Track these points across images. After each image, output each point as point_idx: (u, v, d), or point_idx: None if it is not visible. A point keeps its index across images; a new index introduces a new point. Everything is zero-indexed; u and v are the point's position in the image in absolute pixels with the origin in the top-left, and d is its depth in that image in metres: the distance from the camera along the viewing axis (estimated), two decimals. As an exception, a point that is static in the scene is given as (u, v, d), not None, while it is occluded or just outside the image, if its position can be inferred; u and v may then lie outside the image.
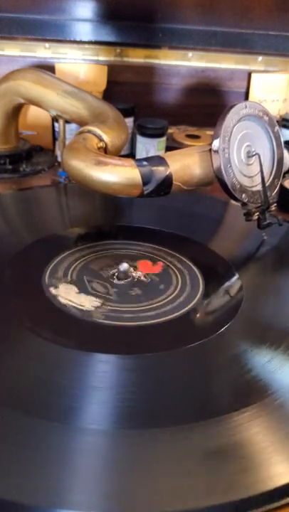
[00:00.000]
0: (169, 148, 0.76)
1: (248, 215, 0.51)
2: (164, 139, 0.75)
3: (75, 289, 0.44)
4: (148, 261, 0.50)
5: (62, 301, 0.43)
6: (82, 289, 0.45)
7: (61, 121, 0.68)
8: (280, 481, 0.28)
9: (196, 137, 0.83)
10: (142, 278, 0.47)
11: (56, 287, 0.44)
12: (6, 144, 0.71)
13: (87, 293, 0.44)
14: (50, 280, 0.45)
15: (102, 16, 0.81)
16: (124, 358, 0.37)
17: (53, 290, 0.44)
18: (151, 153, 0.73)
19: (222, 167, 0.48)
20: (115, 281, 0.46)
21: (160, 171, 0.47)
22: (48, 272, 0.47)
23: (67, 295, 0.43)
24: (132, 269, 0.48)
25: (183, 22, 0.84)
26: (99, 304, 0.43)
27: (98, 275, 0.47)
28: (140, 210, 0.62)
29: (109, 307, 0.43)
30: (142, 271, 0.48)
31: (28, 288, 0.45)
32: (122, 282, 0.46)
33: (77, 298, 0.43)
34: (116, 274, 0.47)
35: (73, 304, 0.42)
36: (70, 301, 0.43)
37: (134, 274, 0.47)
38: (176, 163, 0.48)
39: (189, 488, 0.28)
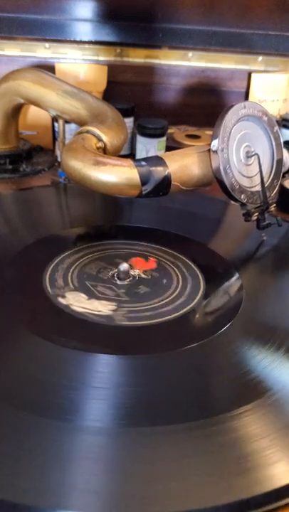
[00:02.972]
0: (169, 148, 0.76)
1: (247, 215, 0.51)
2: (164, 139, 0.75)
3: (83, 295, 0.44)
4: (141, 258, 0.50)
5: (78, 309, 0.42)
6: (91, 295, 0.44)
7: (61, 121, 0.68)
8: (279, 481, 0.28)
9: (196, 137, 0.83)
10: (142, 275, 0.47)
11: (64, 296, 0.44)
12: (6, 144, 0.71)
13: (98, 298, 0.44)
14: (53, 289, 0.44)
15: (102, 16, 0.81)
16: (124, 359, 0.37)
17: (62, 300, 0.43)
18: (151, 153, 0.73)
19: (221, 167, 0.48)
20: (117, 281, 0.46)
21: (159, 171, 0.47)
22: (48, 272, 0.47)
23: (80, 303, 0.43)
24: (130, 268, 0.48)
25: (183, 22, 0.84)
26: (114, 307, 0.43)
27: (99, 278, 0.47)
28: (140, 210, 0.62)
29: (125, 308, 0.43)
30: (139, 268, 0.48)
31: (28, 288, 0.45)
32: (125, 282, 0.46)
33: (90, 304, 0.43)
34: (116, 274, 0.47)
35: (89, 311, 0.42)
36: (85, 308, 0.42)
37: (132, 273, 0.47)
38: (175, 164, 0.48)
39: (189, 488, 0.28)
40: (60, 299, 0.43)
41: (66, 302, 0.43)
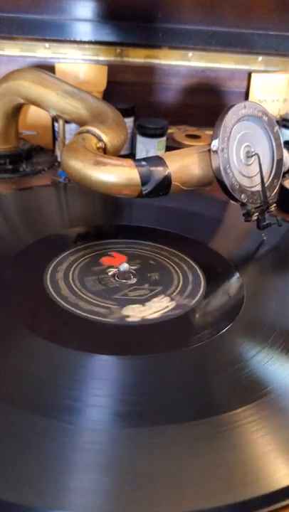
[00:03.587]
0: (169, 148, 0.76)
1: (247, 215, 0.51)
2: (164, 139, 0.75)
3: (136, 305, 0.43)
4: (107, 257, 0.50)
5: (135, 319, 0.41)
6: (139, 301, 0.44)
7: (61, 121, 0.68)
8: (280, 482, 0.28)
9: (196, 137, 0.84)
10: (132, 267, 0.47)
11: (127, 316, 0.42)
12: (6, 144, 0.71)
13: (143, 302, 0.44)
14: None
15: (102, 16, 0.81)
16: (124, 359, 0.37)
17: (129, 319, 0.42)
18: (152, 153, 0.73)
19: (221, 167, 0.48)
20: (127, 281, 0.46)
21: (159, 171, 0.47)
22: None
23: (140, 312, 0.42)
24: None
25: (183, 22, 0.84)
26: (168, 298, 0.43)
27: (100, 278, 0.47)
28: (140, 209, 0.62)
29: (174, 301, 0.43)
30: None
31: (29, 288, 0.45)
32: (134, 280, 0.46)
33: (142, 311, 0.42)
34: (117, 275, 0.47)
35: (145, 315, 0.42)
36: (141, 316, 0.42)
37: (131, 273, 0.47)
38: (175, 164, 0.48)
39: (189, 488, 0.28)
40: (128, 319, 0.42)
41: (136, 318, 0.42)
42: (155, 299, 0.44)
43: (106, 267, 0.48)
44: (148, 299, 0.44)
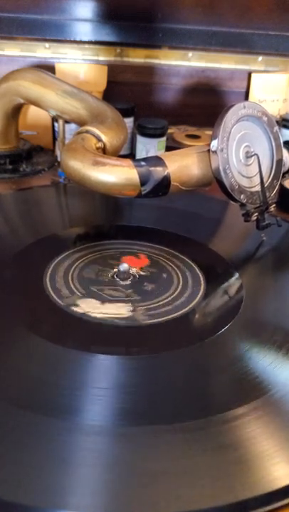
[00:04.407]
0: (169, 148, 0.76)
1: (246, 215, 0.51)
2: (164, 139, 0.75)
3: (94, 301, 0.44)
4: (132, 256, 0.50)
5: (98, 315, 0.42)
6: (102, 299, 0.44)
7: (61, 121, 0.68)
8: (280, 482, 0.28)
9: (196, 137, 0.84)
10: (141, 273, 0.47)
11: (76, 305, 0.43)
12: (6, 144, 0.71)
13: (110, 301, 0.44)
14: (62, 299, 0.44)
15: (102, 16, 0.81)
16: (124, 359, 0.37)
17: (76, 309, 0.42)
18: (151, 153, 0.73)
19: (220, 168, 0.48)
20: (120, 282, 0.46)
21: (158, 172, 0.47)
22: (48, 272, 0.47)
23: (95, 308, 0.43)
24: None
25: (183, 22, 0.84)
26: (131, 308, 0.43)
27: (101, 281, 0.47)
28: (140, 210, 0.62)
29: (142, 307, 0.43)
30: (135, 267, 0.48)
31: (28, 288, 0.45)
32: (128, 282, 0.46)
33: (107, 308, 0.43)
34: (116, 274, 0.47)
35: (110, 315, 0.42)
36: (104, 313, 0.42)
37: (131, 272, 0.47)
38: (174, 164, 0.48)
39: (189, 488, 0.28)
40: (75, 308, 0.42)
41: (82, 310, 0.42)
42: (119, 304, 0.43)
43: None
44: (111, 301, 0.44)
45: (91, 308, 0.43)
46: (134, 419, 0.32)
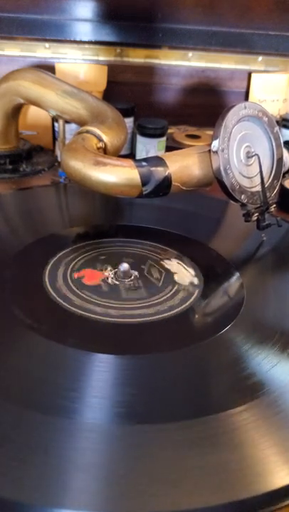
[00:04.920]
0: (169, 148, 0.76)
1: (247, 215, 0.51)
2: (164, 139, 0.75)
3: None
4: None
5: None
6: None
7: (61, 121, 0.68)
8: (279, 482, 0.28)
9: (196, 137, 0.84)
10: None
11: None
12: (6, 144, 0.71)
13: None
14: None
15: (102, 16, 0.81)
16: (124, 358, 0.37)
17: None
18: (152, 154, 0.73)
19: (221, 168, 0.48)
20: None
21: (159, 172, 0.47)
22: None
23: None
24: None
25: (183, 22, 0.84)
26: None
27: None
28: (140, 209, 0.62)
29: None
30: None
31: (28, 288, 0.45)
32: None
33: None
34: (116, 273, 0.47)
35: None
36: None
37: (132, 272, 0.48)
38: (175, 164, 0.48)
39: (189, 488, 0.28)
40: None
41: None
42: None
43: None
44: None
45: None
46: (134, 419, 0.32)
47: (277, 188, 0.52)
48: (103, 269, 0.48)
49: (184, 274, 0.48)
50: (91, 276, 0.47)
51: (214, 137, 0.48)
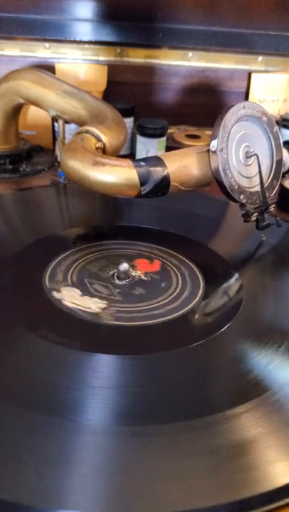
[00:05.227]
0: (169, 148, 0.76)
1: (246, 216, 0.51)
2: (164, 139, 0.75)
3: (78, 291, 0.44)
4: (146, 260, 0.50)
5: (68, 304, 0.43)
6: (85, 291, 0.44)
7: (61, 122, 0.68)
8: (279, 481, 0.28)
9: (196, 137, 0.84)
10: (143, 277, 0.47)
11: (59, 291, 0.44)
12: (6, 144, 0.71)
13: (91, 295, 0.44)
14: (51, 283, 0.45)
15: (102, 16, 0.82)
16: (124, 359, 0.37)
17: (56, 294, 0.44)
18: (151, 153, 0.73)
19: (220, 168, 0.48)
20: (116, 281, 0.46)
21: (157, 172, 0.47)
22: (48, 272, 0.47)
23: (72, 298, 0.43)
24: (131, 268, 0.48)
25: (183, 22, 0.84)
26: (104, 306, 0.43)
27: (98, 276, 0.47)
28: (140, 210, 0.62)
29: (114, 308, 0.43)
30: (141, 270, 0.48)
31: (28, 288, 0.45)
32: (124, 282, 0.46)
33: (81, 300, 0.43)
34: (116, 274, 0.47)
35: (79, 307, 0.42)
36: (75, 304, 0.43)
37: (133, 274, 0.47)
38: (174, 164, 0.48)
39: (189, 488, 0.28)
40: (55, 293, 0.44)
41: (60, 296, 0.43)
42: (95, 299, 0.44)
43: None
44: (92, 295, 0.44)
45: (69, 296, 0.44)
46: (134, 419, 0.32)
47: (277, 188, 0.52)
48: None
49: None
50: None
51: (213, 137, 0.48)
